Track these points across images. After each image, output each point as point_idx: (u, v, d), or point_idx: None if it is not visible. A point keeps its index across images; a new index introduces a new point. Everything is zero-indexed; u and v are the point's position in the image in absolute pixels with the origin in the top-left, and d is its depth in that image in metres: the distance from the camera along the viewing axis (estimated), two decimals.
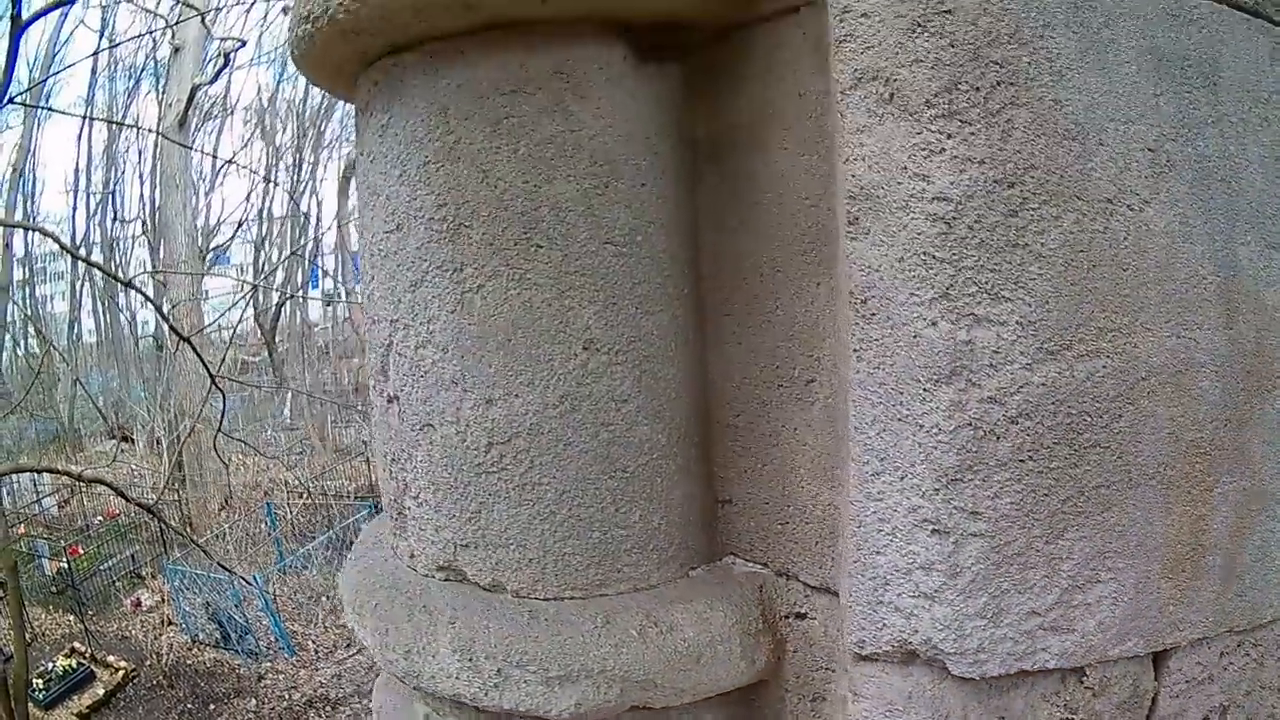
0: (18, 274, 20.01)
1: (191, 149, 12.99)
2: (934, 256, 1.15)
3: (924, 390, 1.19)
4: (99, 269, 11.16)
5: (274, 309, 20.56)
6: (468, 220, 1.43)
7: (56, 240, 8.16)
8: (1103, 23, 1.20)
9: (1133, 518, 1.27)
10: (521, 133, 1.41)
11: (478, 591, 1.53)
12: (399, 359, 1.55)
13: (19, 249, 19.40)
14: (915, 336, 1.18)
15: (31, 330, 17.38)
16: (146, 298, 8.68)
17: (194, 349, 7.77)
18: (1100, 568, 1.25)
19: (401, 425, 1.58)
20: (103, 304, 21.26)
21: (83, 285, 21.24)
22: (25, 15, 6.91)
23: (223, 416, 8.73)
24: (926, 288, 1.17)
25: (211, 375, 7.65)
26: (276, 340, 20.56)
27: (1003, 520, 1.20)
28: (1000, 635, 1.23)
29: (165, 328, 13.44)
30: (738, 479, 1.60)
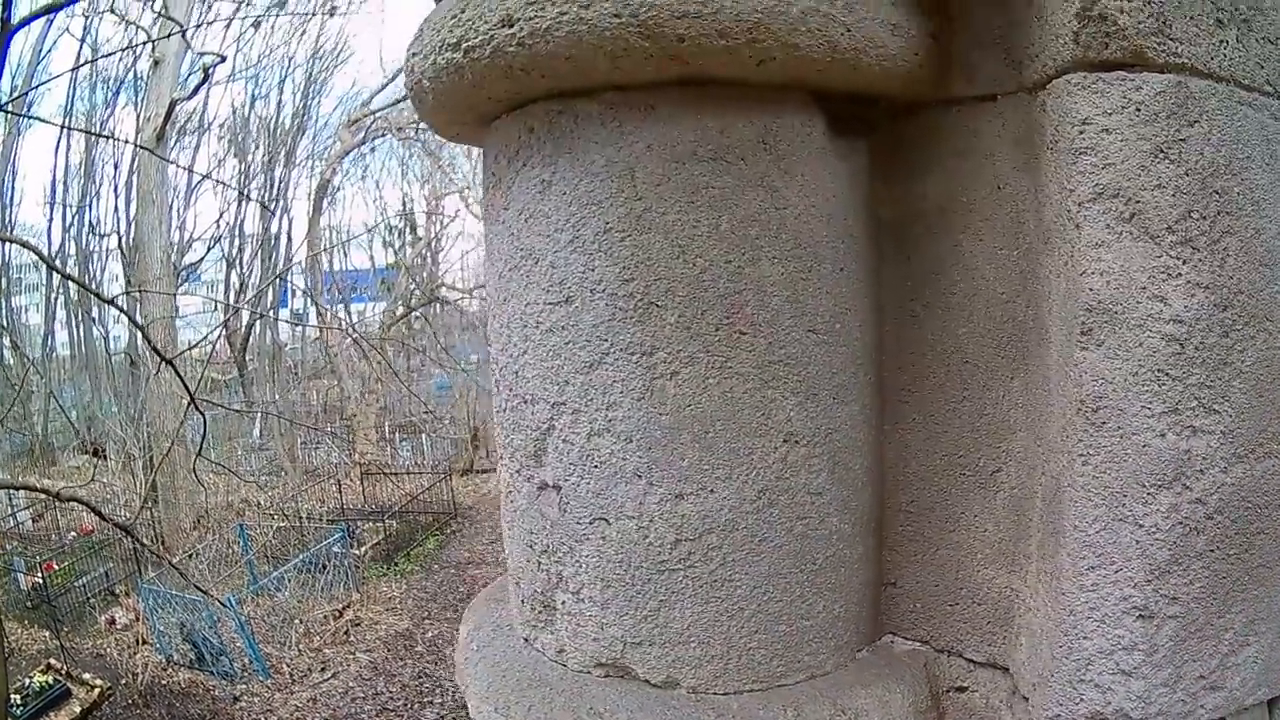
0: None
1: (170, 163, 12.58)
2: (1167, 374, 1.16)
3: (1148, 494, 1.20)
4: (82, 286, 10.66)
5: (244, 328, 19.91)
6: (660, 299, 1.30)
7: (38, 254, 7.78)
8: None
9: (1276, 589, 1.34)
10: (723, 206, 1.29)
11: (647, 689, 1.43)
12: (564, 446, 1.42)
13: None
14: (1144, 446, 1.19)
15: (6, 342, 16.63)
16: (130, 318, 8.33)
17: (176, 371, 7.48)
18: (1250, 633, 1.33)
19: (563, 517, 1.45)
20: (77, 318, 20.43)
21: (57, 298, 20.21)
22: (14, 20, 6.66)
23: (203, 439, 8.45)
24: (1158, 402, 1.17)
25: (192, 397, 7.37)
26: (247, 359, 19.95)
27: (1192, 602, 1.26)
28: (1175, 699, 1.29)
29: (139, 344, 12.99)
30: (905, 562, 1.55)
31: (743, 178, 1.30)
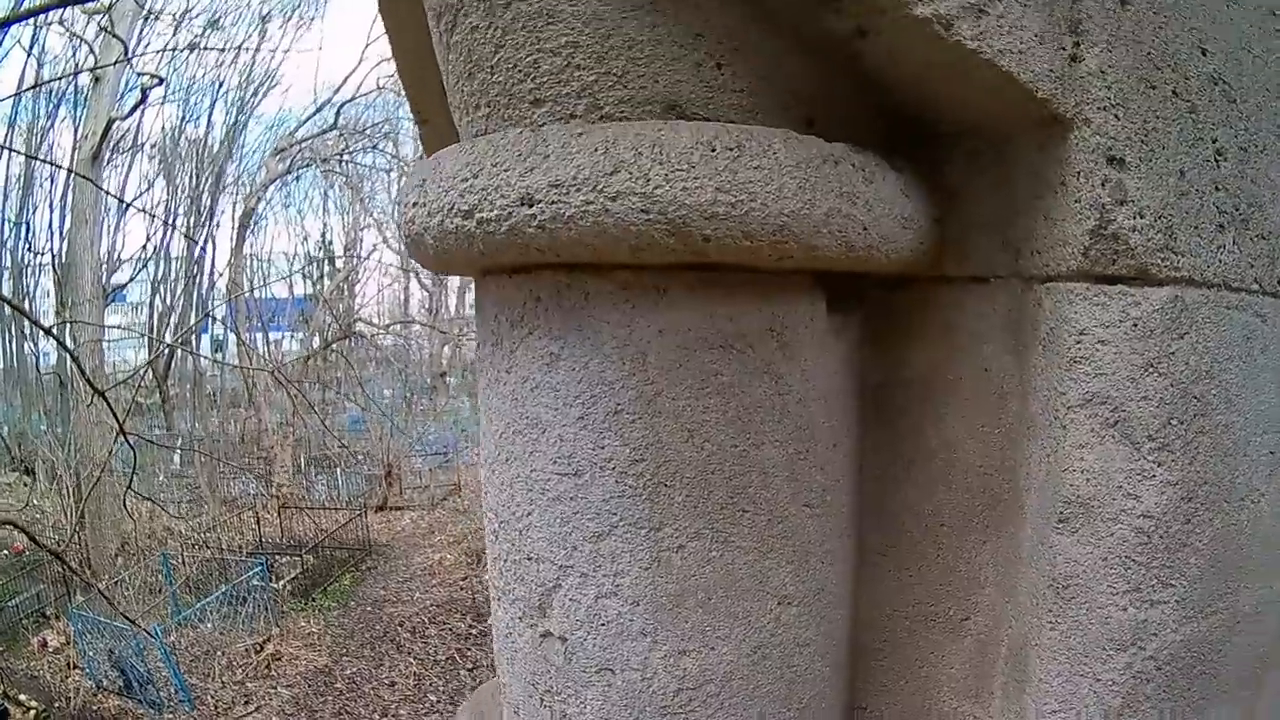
0: None
1: (100, 189, 11.93)
2: (1133, 560, 1.25)
3: (1107, 655, 1.30)
4: (19, 310, 10.10)
5: (166, 354, 19.05)
6: (669, 480, 1.32)
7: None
8: (1260, 349, 1.34)
9: (1219, 710, 1.46)
10: (732, 394, 1.31)
11: None
12: (571, 604, 1.43)
13: None
14: (1107, 618, 1.28)
15: None
16: (65, 349, 7.94)
17: (107, 403, 7.22)
18: None
19: (569, 666, 1.46)
20: (8, 333, 19.27)
21: None
22: None
23: (133, 472, 8.24)
24: (1122, 583, 1.26)
25: (122, 428, 7.17)
26: (168, 385, 19.13)
27: None
28: None
29: (69, 364, 12.40)
30: (876, 691, 1.63)
31: (750, 365, 1.33)
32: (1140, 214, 1.18)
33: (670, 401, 1.32)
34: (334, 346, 21.02)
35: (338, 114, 23.10)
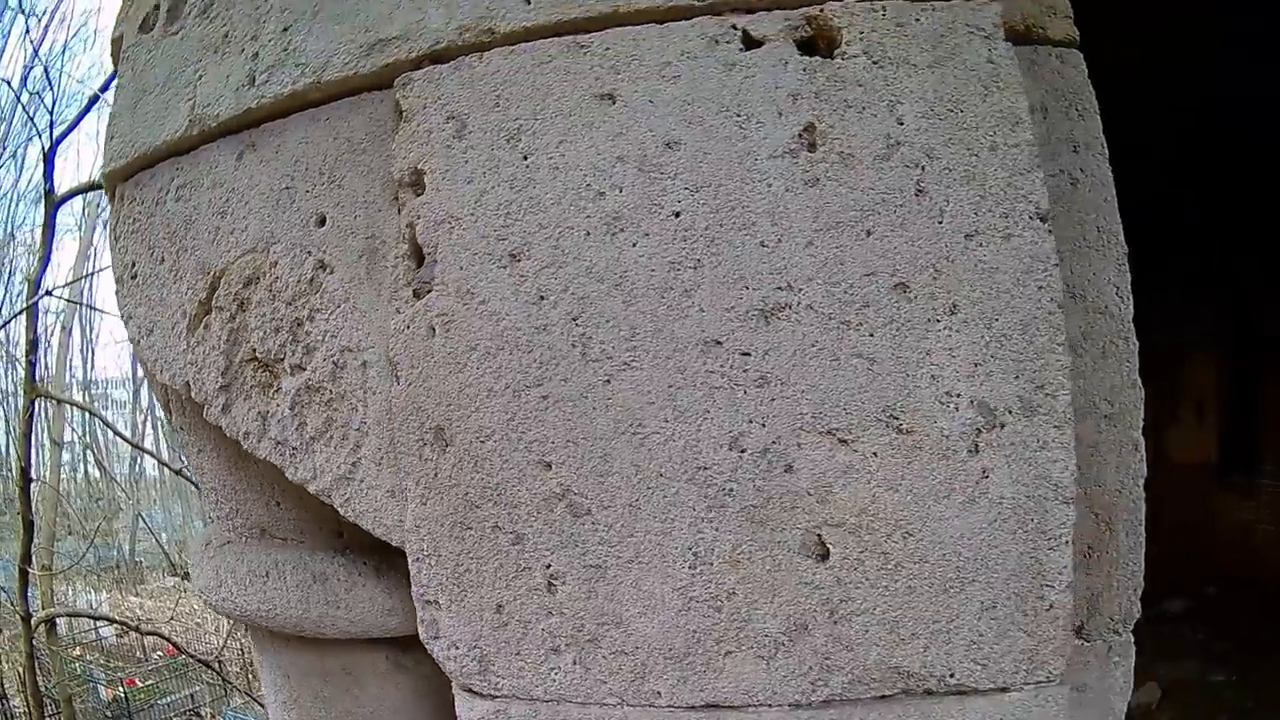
0: (78, 397, 17.53)
1: None
2: None
3: None
4: (158, 461, 11.39)
5: None
6: None
7: (115, 431, 9.00)
8: None
9: None
10: (331, 703, 1.96)
11: None
12: None
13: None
14: None
15: (91, 458, 16.79)
16: (199, 488, 9.07)
17: None
18: None
19: None
20: (165, 439, 18.68)
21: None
22: (58, 193, 6.86)
23: None
24: None
25: None
26: None
27: None
28: None
29: None
30: None
31: (338, 687, 1.96)
32: (455, 645, 1.35)
33: (304, 703, 2.03)
34: None
35: None
